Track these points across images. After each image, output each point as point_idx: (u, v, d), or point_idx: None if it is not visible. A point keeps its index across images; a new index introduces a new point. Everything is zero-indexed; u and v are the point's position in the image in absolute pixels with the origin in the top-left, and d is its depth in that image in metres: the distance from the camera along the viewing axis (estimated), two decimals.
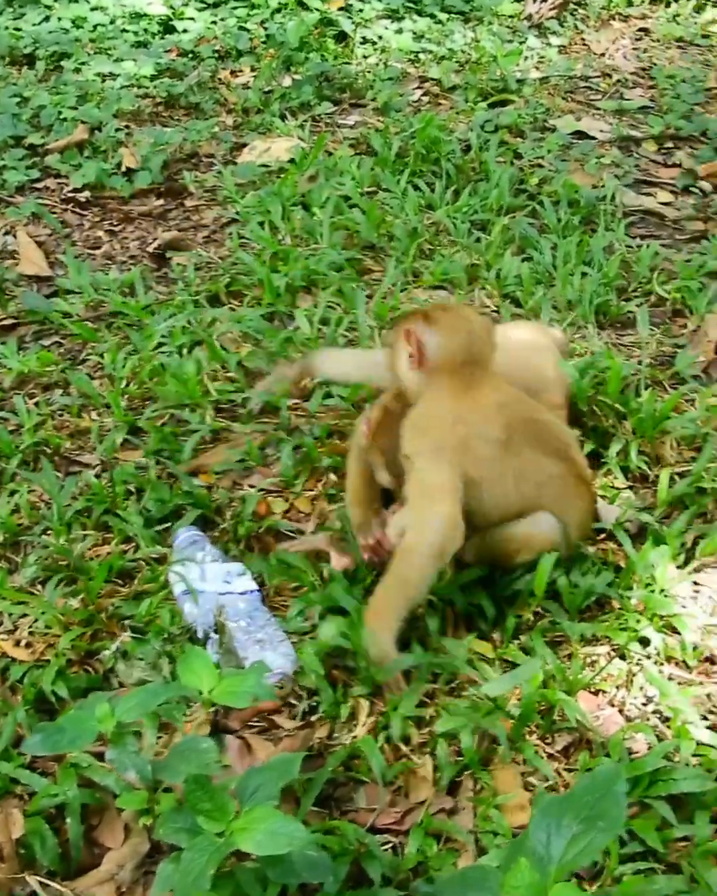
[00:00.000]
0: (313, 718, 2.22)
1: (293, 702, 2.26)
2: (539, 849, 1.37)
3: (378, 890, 1.86)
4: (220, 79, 5.80)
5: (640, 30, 6.80)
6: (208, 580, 2.46)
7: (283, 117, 5.23)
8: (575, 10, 7.03)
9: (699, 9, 7.15)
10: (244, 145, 4.96)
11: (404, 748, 2.15)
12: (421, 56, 6.13)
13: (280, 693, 2.25)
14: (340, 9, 6.53)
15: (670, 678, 2.31)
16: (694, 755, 2.10)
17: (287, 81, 5.62)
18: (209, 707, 2.09)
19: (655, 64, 6.10)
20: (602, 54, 6.31)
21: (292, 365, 3.15)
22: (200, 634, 2.30)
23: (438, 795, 2.08)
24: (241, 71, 5.93)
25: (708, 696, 2.28)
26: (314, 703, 2.24)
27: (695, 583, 2.54)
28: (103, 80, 5.70)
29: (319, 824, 1.98)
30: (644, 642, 2.37)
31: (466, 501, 2.32)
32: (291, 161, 4.68)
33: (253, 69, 5.90)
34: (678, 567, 2.53)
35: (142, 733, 2.09)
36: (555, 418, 2.59)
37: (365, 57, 6.10)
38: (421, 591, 2.28)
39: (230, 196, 4.42)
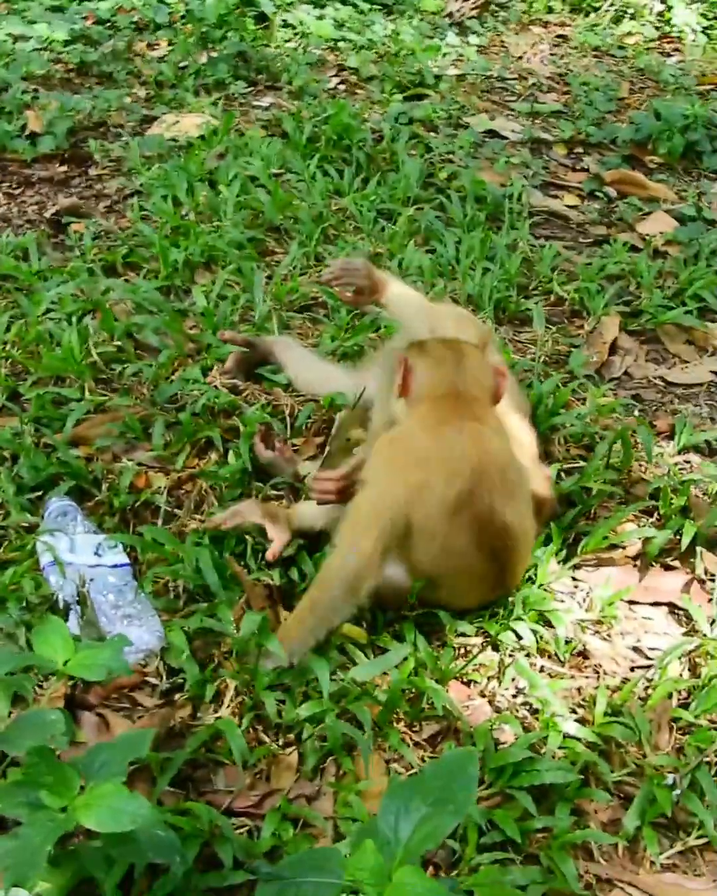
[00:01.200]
0: (177, 697, 2.15)
1: (155, 681, 2.19)
2: (387, 831, 1.33)
3: (228, 872, 1.80)
4: (135, 50, 5.67)
5: (558, 36, 6.85)
6: (78, 552, 2.38)
7: (196, 94, 5.14)
8: (496, 11, 7.06)
9: (616, 20, 7.23)
10: (154, 118, 4.85)
11: (267, 731, 2.09)
12: (340, 44, 6.08)
13: (145, 670, 2.18)
14: None
15: (541, 671, 2.30)
16: (560, 747, 2.09)
17: (203, 58, 5.51)
18: (65, 680, 2.00)
19: (570, 70, 6.14)
20: (520, 57, 6.33)
21: (260, 341, 3.06)
22: (60, 605, 2.21)
23: (299, 781, 2.03)
24: (157, 44, 5.81)
25: (578, 689, 2.28)
26: (179, 682, 2.17)
27: (574, 579, 2.54)
28: (15, 42, 5.54)
29: (173, 805, 1.91)
30: (518, 635, 2.35)
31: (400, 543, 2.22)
32: (201, 137, 4.59)
33: (170, 43, 5.79)
34: (560, 562, 2.52)
35: None
36: (519, 501, 2.33)
37: (285, 41, 6.03)
38: (332, 619, 2.22)
39: (135, 167, 4.31)
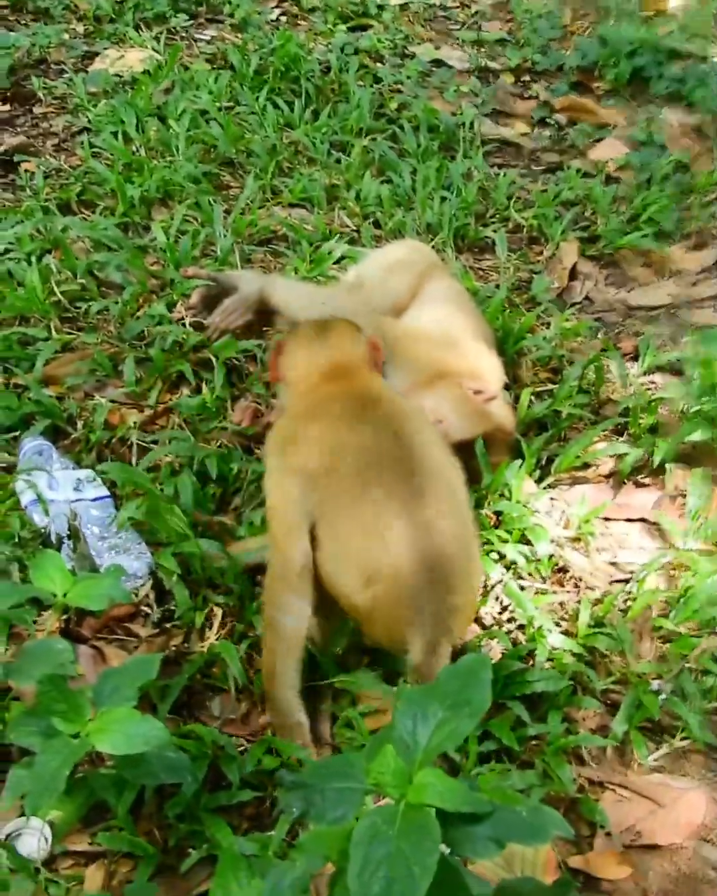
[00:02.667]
0: (169, 625, 2.16)
1: (147, 610, 2.20)
2: (405, 736, 1.35)
3: (236, 791, 1.83)
4: None
5: None
6: (58, 488, 2.36)
7: (137, 28, 4.99)
8: None
9: None
10: (96, 54, 4.71)
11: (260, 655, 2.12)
12: None
13: (136, 600, 2.18)
14: None
15: (524, 588, 2.34)
16: (548, 659, 2.14)
17: None
18: (61, 612, 2.01)
19: None
20: None
21: (249, 291, 2.91)
22: (52, 540, 2.21)
23: None
24: None
25: (561, 604, 2.33)
26: (170, 611, 2.19)
27: (551, 498, 2.58)
28: None
29: (175, 730, 1.93)
30: (501, 554, 2.39)
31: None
32: (146, 72, 4.48)
33: None
34: (535, 483, 2.56)
35: None
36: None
37: None
38: (291, 634, 1.97)
39: (82, 104, 4.21)
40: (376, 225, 3.57)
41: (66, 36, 4.89)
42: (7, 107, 4.29)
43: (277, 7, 5.56)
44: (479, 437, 2.47)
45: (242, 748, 1.94)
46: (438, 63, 5.03)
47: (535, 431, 2.76)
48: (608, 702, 2.14)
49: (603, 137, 4.40)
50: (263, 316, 2.90)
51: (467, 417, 2.46)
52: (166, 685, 2.00)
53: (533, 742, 2.01)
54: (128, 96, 4.20)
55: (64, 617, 2.10)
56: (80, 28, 5.02)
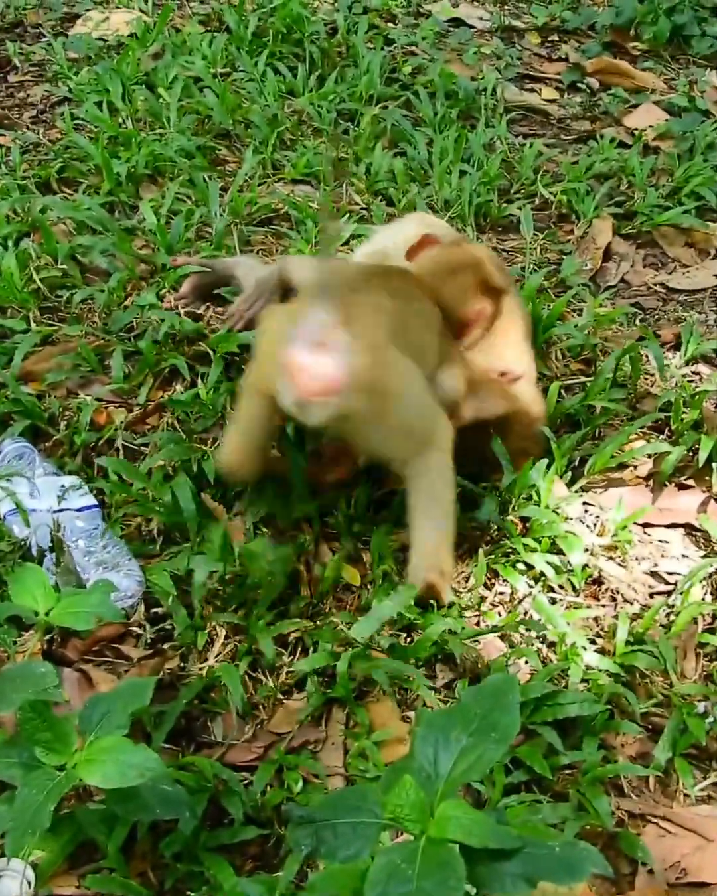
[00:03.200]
0: (164, 647, 2.17)
1: (138, 630, 2.21)
2: (425, 765, 1.36)
3: (239, 828, 1.84)
4: None
5: None
6: (41, 497, 2.38)
7: None
8: None
9: None
10: (77, 16, 4.75)
11: (266, 677, 2.13)
12: None
13: (127, 619, 2.20)
14: None
15: (555, 602, 2.35)
16: (582, 680, 2.14)
17: None
18: (44, 632, 2.02)
19: None
20: None
21: (267, 276, 2.91)
22: (33, 553, 2.22)
23: (303, 728, 2.07)
24: None
25: (596, 619, 2.33)
26: (165, 630, 2.20)
27: (584, 502, 2.58)
28: None
29: (171, 761, 1.94)
30: (529, 566, 2.40)
31: None
32: (133, 36, 4.51)
33: None
34: (567, 485, 2.56)
35: None
36: None
37: None
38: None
39: (62, 72, 4.24)
40: (389, 202, 3.59)
41: None
42: None
43: None
44: (504, 417, 2.52)
45: (246, 781, 1.95)
46: (456, 22, 5.05)
47: (566, 428, 2.76)
48: (650, 726, 2.13)
49: (640, 103, 4.41)
50: None
51: (490, 394, 2.50)
52: (161, 711, 2.01)
53: (567, 771, 2.01)
54: (113, 62, 4.23)
55: (47, 637, 2.11)
56: None
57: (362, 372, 2.03)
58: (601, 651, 2.24)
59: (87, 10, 4.78)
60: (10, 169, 3.61)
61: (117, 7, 4.82)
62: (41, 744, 1.60)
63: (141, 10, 4.75)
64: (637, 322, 3.20)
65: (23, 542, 2.25)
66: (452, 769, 1.34)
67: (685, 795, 2.04)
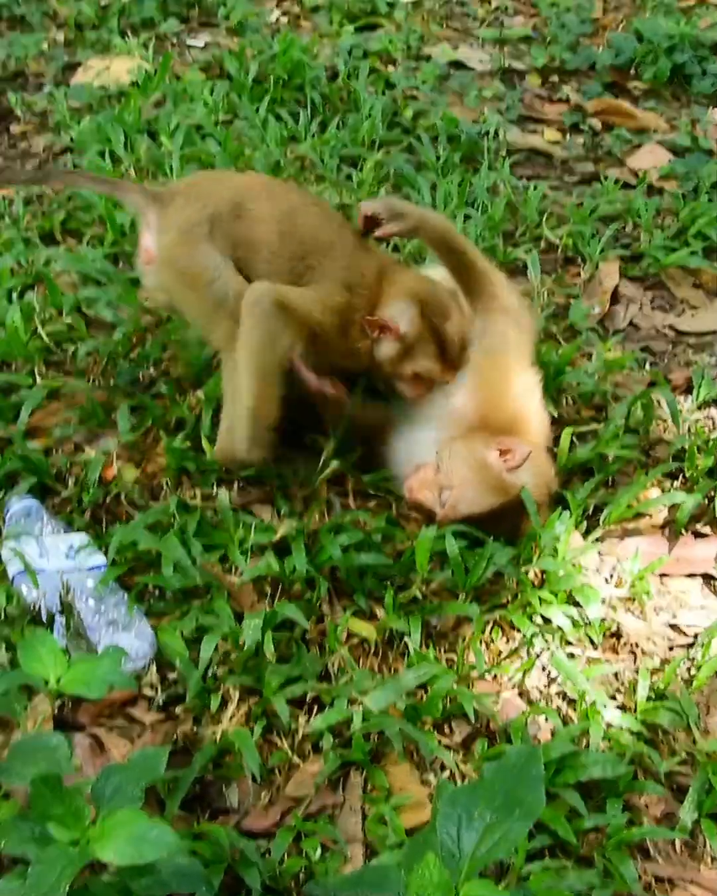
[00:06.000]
0: (177, 709, 2.14)
1: (150, 692, 2.18)
2: (448, 843, 1.33)
3: None
4: None
5: None
6: (49, 556, 2.36)
7: (123, 35, 5.06)
8: None
9: None
10: (78, 65, 4.78)
11: (281, 739, 2.10)
12: None
13: (138, 681, 2.17)
14: None
15: (573, 656, 2.32)
16: (603, 739, 2.11)
17: None
18: (55, 699, 1.99)
19: None
20: None
21: None
22: (43, 617, 2.20)
23: (320, 793, 2.04)
24: None
25: (615, 674, 2.30)
26: (177, 692, 2.17)
27: (600, 552, 2.56)
28: None
29: (186, 829, 1.91)
30: (546, 620, 2.37)
31: None
32: (134, 84, 4.54)
33: None
34: (582, 535, 2.54)
35: None
36: None
37: None
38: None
39: (64, 121, 4.26)
40: (394, 248, 3.58)
41: (46, 46, 4.98)
42: None
43: (276, 7, 5.65)
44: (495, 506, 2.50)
45: (263, 849, 1.92)
46: (456, 65, 5.08)
47: (579, 477, 2.75)
48: (674, 786, 2.10)
49: (643, 143, 4.43)
50: None
51: (478, 490, 2.48)
52: (176, 777, 1.98)
53: (591, 835, 1.98)
54: (115, 111, 4.26)
55: (58, 702, 2.09)
56: (61, 37, 5.11)
57: (165, 249, 2.50)
58: (622, 707, 2.21)
59: (89, 59, 4.81)
60: (13, 220, 3.61)
61: (118, 55, 4.85)
62: (54, 819, 1.57)
63: (142, 58, 4.78)
64: (648, 367, 3.19)
65: (33, 606, 2.23)
66: (476, 848, 1.32)
67: (713, 858, 2.01)
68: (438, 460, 2.51)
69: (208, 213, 2.50)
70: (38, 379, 2.91)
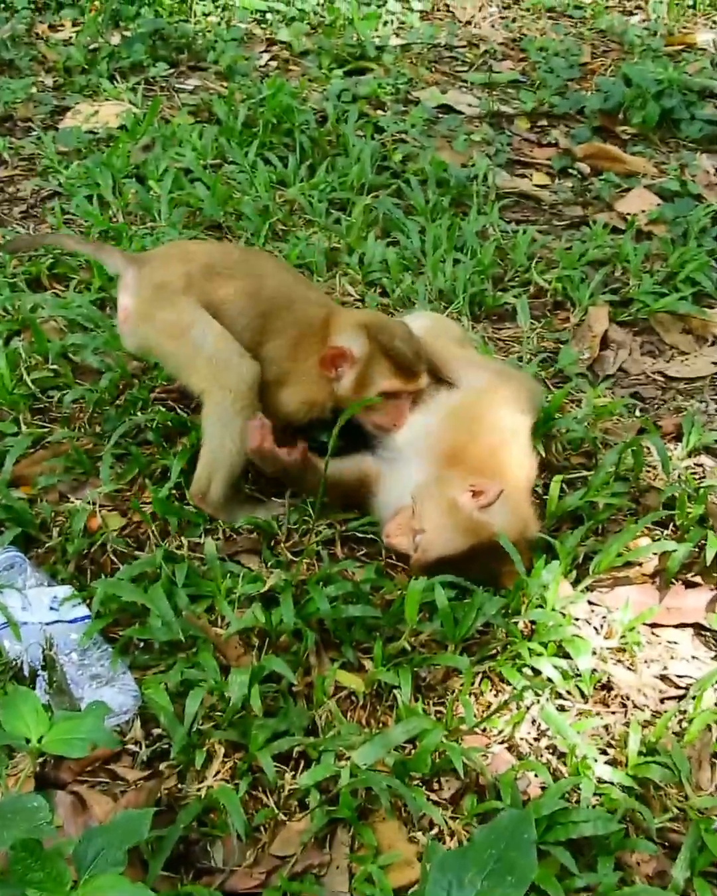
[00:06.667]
0: (161, 766, 2.12)
1: (134, 748, 2.16)
2: None
3: None
4: (37, 33, 5.64)
5: None
6: (32, 609, 2.34)
7: (112, 79, 5.11)
8: None
9: None
10: (67, 109, 4.83)
11: (267, 796, 2.08)
12: (268, 16, 6.09)
13: (122, 737, 2.15)
14: None
15: (563, 709, 2.30)
16: (594, 794, 2.09)
17: (116, 39, 5.49)
18: (37, 757, 1.97)
19: (525, 35, 6.19)
20: (468, 22, 6.37)
21: None
22: (26, 672, 2.18)
23: (306, 852, 2.01)
24: (61, 25, 5.78)
25: (606, 728, 2.29)
26: (162, 748, 2.15)
27: (589, 602, 2.55)
28: None
29: (169, 891, 1.89)
30: (535, 671, 2.35)
31: None
32: (123, 128, 4.58)
33: (75, 24, 5.76)
34: (572, 584, 2.53)
35: None
36: None
37: (205, 15, 6.01)
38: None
39: (52, 166, 4.28)
40: (383, 292, 3.60)
41: (34, 90, 5.02)
42: None
43: (265, 51, 5.70)
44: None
45: None
46: (445, 109, 5.13)
47: (569, 525, 2.74)
48: (666, 843, 2.08)
49: (632, 187, 4.46)
50: None
51: (449, 532, 2.49)
52: (159, 836, 1.95)
53: (583, 894, 1.96)
54: (103, 155, 4.28)
55: (40, 759, 2.07)
56: (50, 81, 5.16)
57: (143, 304, 2.69)
58: (613, 762, 2.20)
59: (77, 103, 4.85)
60: (0, 266, 3.62)
61: (107, 99, 4.89)
62: (34, 884, 1.54)
63: (131, 103, 4.82)
64: (637, 413, 3.20)
65: (15, 661, 2.21)
66: None
67: None
68: (413, 504, 2.53)
69: (183, 271, 2.69)
70: (23, 427, 2.91)
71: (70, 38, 5.60)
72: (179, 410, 2.96)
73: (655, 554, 2.66)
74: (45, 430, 2.91)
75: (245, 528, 2.66)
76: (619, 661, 2.44)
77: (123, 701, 2.17)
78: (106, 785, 2.10)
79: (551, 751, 2.24)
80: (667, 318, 3.67)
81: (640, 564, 2.67)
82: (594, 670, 2.37)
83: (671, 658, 2.48)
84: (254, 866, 1.99)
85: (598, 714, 2.32)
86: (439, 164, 4.34)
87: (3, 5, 5.90)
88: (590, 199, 4.45)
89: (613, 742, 2.26)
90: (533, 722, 2.29)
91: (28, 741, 1.75)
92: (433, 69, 5.64)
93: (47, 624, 2.30)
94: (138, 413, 2.94)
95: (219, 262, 2.75)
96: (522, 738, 2.26)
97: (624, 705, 2.36)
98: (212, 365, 2.60)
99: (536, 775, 2.16)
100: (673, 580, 2.63)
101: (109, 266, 2.99)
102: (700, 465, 3.00)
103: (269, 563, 2.55)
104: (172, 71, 5.33)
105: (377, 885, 1.92)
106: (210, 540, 2.55)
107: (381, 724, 2.25)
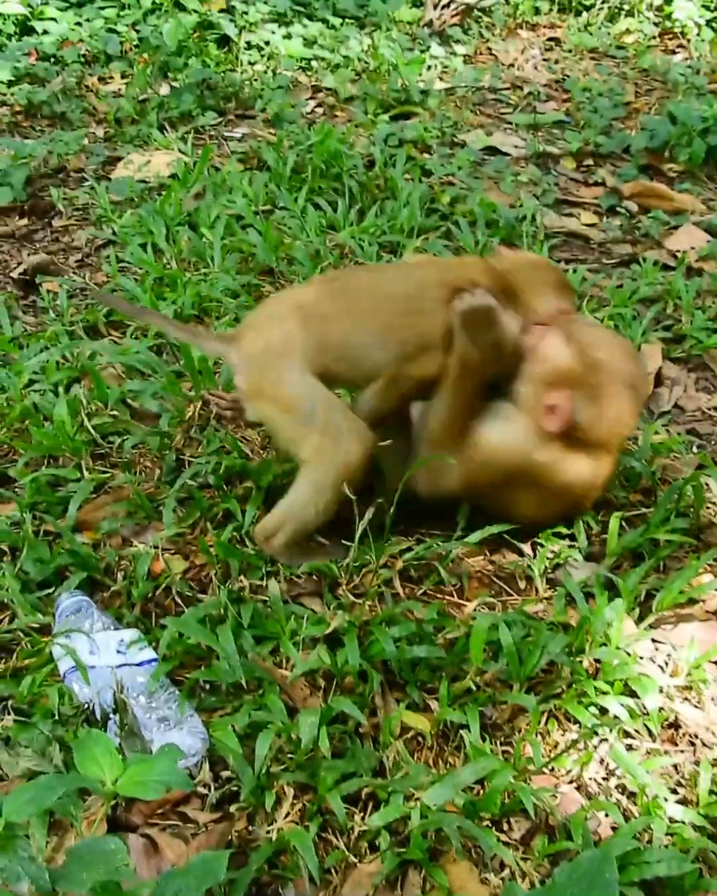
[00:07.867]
0: (231, 808, 2.13)
1: (203, 790, 2.18)
2: None
3: None
4: (87, 86, 5.77)
5: (550, 39, 7.00)
6: (100, 652, 2.37)
7: (161, 129, 5.21)
8: (479, 17, 7.19)
9: (611, 18, 7.38)
10: (119, 159, 4.92)
11: (337, 841, 2.08)
12: (314, 64, 6.20)
13: (192, 779, 2.17)
14: (222, 11, 6.56)
15: (631, 748, 2.30)
16: (666, 834, 2.08)
17: (165, 89, 5.61)
18: (110, 800, 1.99)
19: (568, 76, 6.26)
20: (511, 65, 6.45)
21: None
22: (97, 715, 2.20)
23: (377, 894, 2.01)
24: (111, 77, 5.90)
25: (675, 767, 2.27)
26: (231, 790, 2.16)
27: (653, 639, 2.54)
28: None
29: None
30: (602, 710, 2.35)
31: None
32: (174, 176, 4.66)
33: (124, 76, 5.89)
34: (635, 622, 2.53)
35: (30, 835, 1.98)
36: None
37: (251, 64, 6.13)
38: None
39: (106, 215, 4.37)
40: None
41: (86, 141, 5.12)
42: (24, 221, 4.46)
43: (311, 98, 5.79)
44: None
45: None
46: (491, 151, 5.19)
47: (630, 563, 2.74)
48: None
49: (680, 225, 4.48)
50: None
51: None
52: (232, 880, 1.96)
53: None
54: (155, 204, 4.36)
55: (112, 803, 2.09)
56: (101, 132, 5.25)
57: (251, 383, 2.60)
58: (684, 801, 2.18)
59: (129, 153, 4.94)
60: (58, 314, 3.69)
61: (158, 149, 4.98)
62: None
63: (181, 151, 4.91)
64: (695, 449, 3.20)
65: (86, 705, 2.23)
66: None
67: None
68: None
69: (278, 333, 2.56)
70: (86, 472, 2.95)
71: (120, 89, 5.72)
72: (238, 454, 2.99)
73: None
74: (107, 475, 2.95)
75: (305, 571, 2.69)
76: (686, 699, 2.43)
77: (191, 743, 2.19)
78: (176, 828, 2.11)
79: (620, 790, 2.22)
80: None
81: (703, 601, 2.66)
82: (661, 708, 2.36)
83: None
84: None
85: (667, 753, 2.30)
86: (488, 205, 4.39)
87: (53, 59, 6.03)
88: (639, 236, 4.47)
89: (683, 781, 2.24)
90: (601, 761, 2.28)
91: (103, 784, 1.77)
92: (478, 112, 5.71)
93: (115, 667, 2.33)
94: (201, 458, 2.98)
95: (305, 303, 2.61)
96: (591, 778, 2.25)
97: (693, 743, 2.34)
98: (322, 438, 2.52)
99: (606, 815, 2.15)
100: None
101: (208, 352, 3.03)
102: None
103: (331, 606, 2.57)
104: (220, 120, 5.42)
105: None
106: (274, 582, 2.57)
107: (448, 765, 2.25)
